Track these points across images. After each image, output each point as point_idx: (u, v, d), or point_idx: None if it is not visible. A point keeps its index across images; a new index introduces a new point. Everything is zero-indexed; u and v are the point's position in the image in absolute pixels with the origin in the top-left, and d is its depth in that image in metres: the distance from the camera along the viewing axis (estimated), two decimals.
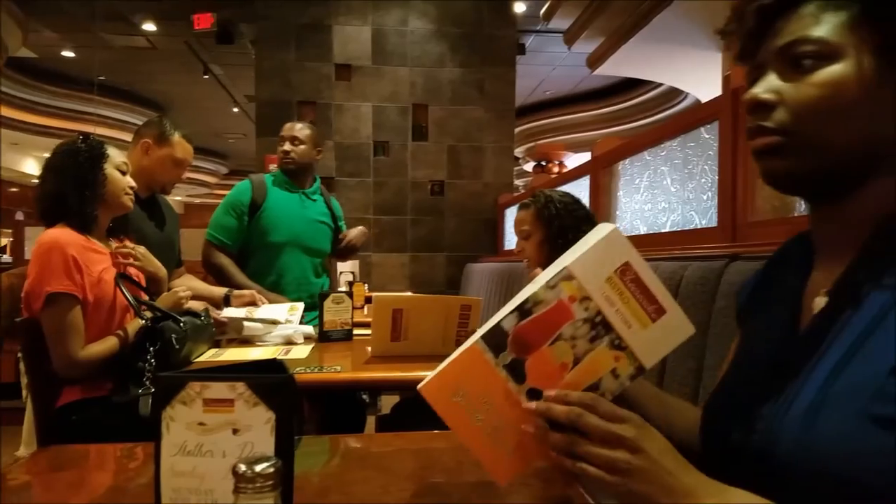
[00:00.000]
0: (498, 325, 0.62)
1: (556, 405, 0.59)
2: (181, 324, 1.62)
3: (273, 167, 4.65)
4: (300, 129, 2.64)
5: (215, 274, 2.51)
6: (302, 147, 2.60)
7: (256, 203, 2.54)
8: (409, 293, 1.55)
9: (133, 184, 1.74)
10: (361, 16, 4.77)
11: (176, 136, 2.17)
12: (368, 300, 4.20)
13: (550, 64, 8.36)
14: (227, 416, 0.53)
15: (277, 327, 1.97)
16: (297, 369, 1.49)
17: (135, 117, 9.63)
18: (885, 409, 0.49)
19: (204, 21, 6.03)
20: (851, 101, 0.57)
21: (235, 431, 0.54)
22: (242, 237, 2.53)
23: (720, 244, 1.72)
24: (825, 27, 0.59)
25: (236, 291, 2.26)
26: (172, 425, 0.54)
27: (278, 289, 2.51)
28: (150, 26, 6.74)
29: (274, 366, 0.62)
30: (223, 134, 11.57)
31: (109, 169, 1.68)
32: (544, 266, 1.88)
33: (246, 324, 1.98)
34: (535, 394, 0.62)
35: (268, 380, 0.54)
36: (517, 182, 13.26)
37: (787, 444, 0.55)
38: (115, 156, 1.72)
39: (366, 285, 4.25)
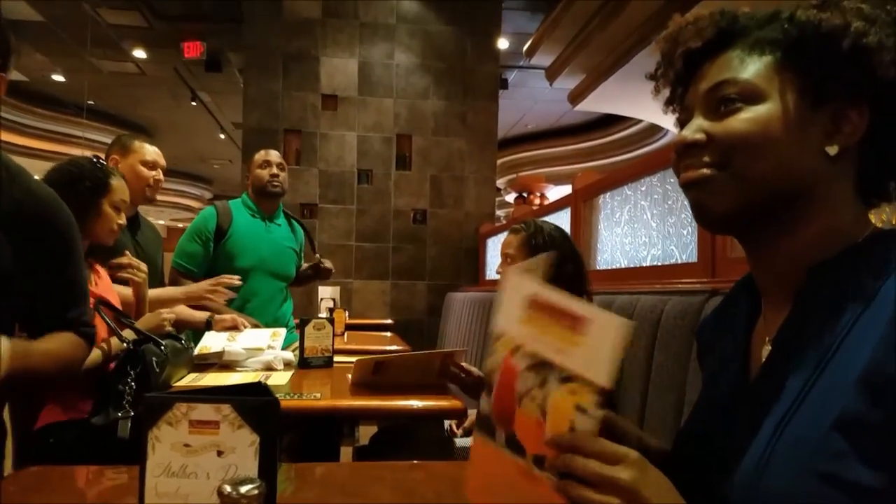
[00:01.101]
0: (479, 411, 0.62)
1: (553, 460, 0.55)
2: (162, 347, 1.63)
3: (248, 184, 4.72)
4: (280, 158, 2.73)
5: None
6: (283, 174, 2.68)
7: (222, 229, 2.57)
8: (393, 348, 1.56)
9: (123, 222, 1.75)
10: (349, 48, 4.87)
11: (137, 143, 2.21)
12: (349, 327, 4.21)
13: (532, 98, 8.54)
14: (212, 438, 0.56)
15: (255, 354, 1.98)
16: (279, 395, 1.50)
17: None
18: (830, 466, 0.49)
19: (193, 49, 6.12)
20: (776, 140, 0.60)
21: (220, 453, 0.56)
22: (208, 263, 2.55)
23: (700, 279, 1.76)
24: (750, 70, 0.62)
25: (217, 316, 2.27)
26: (158, 446, 0.56)
27: (245, 313, 2.52)
28: (140, 53, 6.80)
29: (258, 389, 0.64)
30: (209, 159, 11.58)
31: (106, 205, 1.68)
32: None
33: (226, 348, 1.98)
34: (539, 460, 0.57)
35: (253, 402, 0.56)
36: (499, 212, 13.39)
37: (738, 499, 0.55)
38: (117, 191, 1.71)
39: (346, 312, 4.26)
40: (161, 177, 2.26)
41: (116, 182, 1.72)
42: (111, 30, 6.22)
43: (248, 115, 4.79)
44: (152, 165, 2.22)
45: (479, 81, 5.03)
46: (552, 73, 6.64)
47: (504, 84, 6.82)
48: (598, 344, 0.55)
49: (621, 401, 1.63)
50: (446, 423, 2.14)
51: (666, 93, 0.72)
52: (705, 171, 0.63)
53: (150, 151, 2.24)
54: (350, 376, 1.74)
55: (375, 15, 4.89)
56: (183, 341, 1.78)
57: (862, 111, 0.59)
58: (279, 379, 1.75)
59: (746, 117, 0.61)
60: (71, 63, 7.10)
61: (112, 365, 1.58)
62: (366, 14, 4.88)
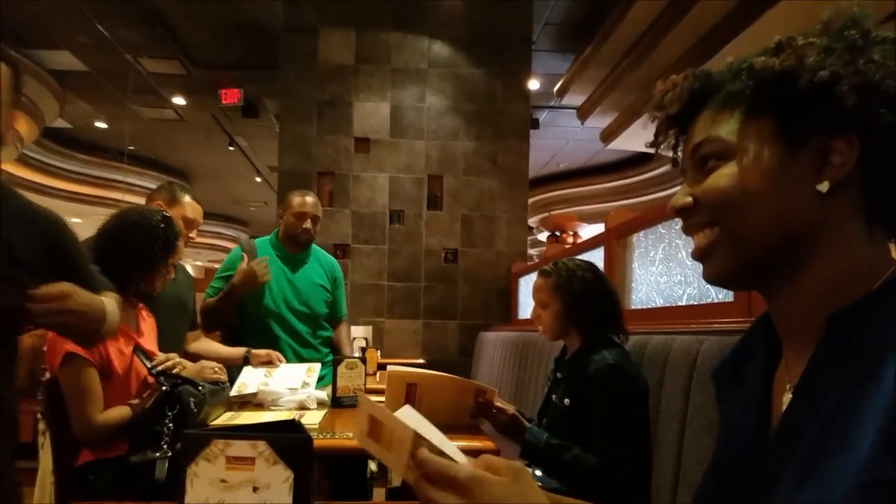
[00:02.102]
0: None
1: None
2: (199, 387, 1.65)
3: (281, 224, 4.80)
4: (317, 204, 2.72)
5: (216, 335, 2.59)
6: (317, 227, 2.71)
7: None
8: (423, 370, 1.56)
9: (173, 275, 1.83)
10: (380, 93, 5.00)
11: (186, 198, 2.26)
12: (381, 367, 4.20)
13: (564, 137, 8.59)
14: (248, 474, 0.56)
15: (289, 394, 1.99)
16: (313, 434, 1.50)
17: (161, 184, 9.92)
18: None
19: (231, 96, 6.34)
20: (757, 192, 0.59)
21: (255, 489, 0.56)
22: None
23: (737, 318, 1.72)
24: (721, 127, 0.62)
25: (254, 351, 2.30)
26: (196, 481, 0.57)
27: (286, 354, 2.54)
28: (179, 100, 7.08)
29: (292, 426, 0.65)
30: (245, 202, 11.88)
31: (169, 263, 1.77)
32: (559, 336, 1.89)
33: (261, 388, 2.00)
34: None
35: (287, 439, 0.57)
36: (531, 251, 13.36)
37: None
38: (179, 252, 1.82)
39: (378, 351, 4.26)
40: (194, 236, 2.32)
41: (181, 244, 1.81)
42: (151, 78, 6.50)
43: (283, 160, 4.92)
44: (190, 223, 2.28)
45: (509, 122, 5.10)
46: (583, 113, 6.69)
47: (535, 124, 6.88)
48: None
49: (656, 441, 1.59)
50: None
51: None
52: (701, 234, 0.63)
53: (194, 210, 2.29)
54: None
55: (407, 60, 5.03)
56: (218, 382, 1.81)
57: (849, 140, 0.57)
58: (312, 418, 1.75)
59: (723, 174, 0.61)
60: (113, 110, 7.43)
61: (148, 405, 1.61)
62: (397, 59, 5.02)
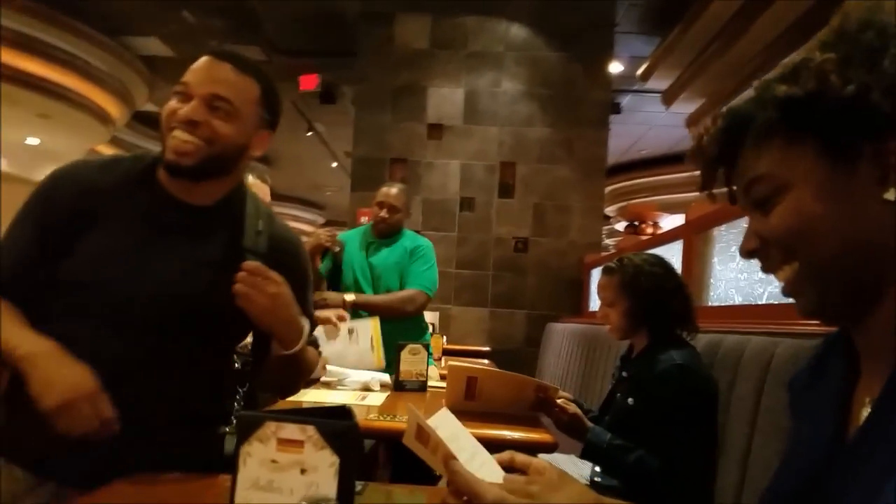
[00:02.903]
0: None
1: None
2: None
3: (364, 220, 4.90)
4: (395, 195, 2.72)
5: None
6: (397, 216, 2.71)
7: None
8: (485, 363, 1.55)
9: None
10: (455, 79, 4.98)
11: (251, 178, 2.29)
12: (447, 352, 4.23)
13: (647, 123, 8.30)
14: (296, 457, 0.57)
15: (354, 373, 2.03)
16: (371, 416, 1.53)
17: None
18: None
19: (309, 82, 6.49)
20: (823, 217, 0.57)
21: (303, 471, 0.57)
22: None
23: (813, 321, 1.62)
24: (765, 162, 0.60)
25: (318, 313, 2.32)
26: (249, 460, 0.59)
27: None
28: None
29: (342, 412, 0.66)
30: (322, 186, 12.21)
31: None
32: (628, 335, 1.83)
33: (328, 367, 2.06)
34: None
35: (334, 425, 0.57)
36: (608, 241, 13.06)
37: None
38: None
39: (444, 337, 4.28)
40: None
41: None
42: None
43: (357, 147, 5.01)
44: None
45: (587, 108, 4.97)
46: (669, 97, 6.44)
47: (617, 108, 6.68)
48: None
49: (724, 444, 1.54)
50: None
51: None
52: (781, 272, 0.61)
53: (263, 190, 2.27)
54: (444, 400, 1.74)
55: (484, 44, 4.98)
56: None
57: None
58: (374, 400, 1.79)
59: (784, 209, 0.59)
60: None
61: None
62: (474, 43, 4.98)
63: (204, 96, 1.09)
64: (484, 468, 0.75)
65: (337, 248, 2.61)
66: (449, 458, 0.64)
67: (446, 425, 0.76)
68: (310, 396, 1.79)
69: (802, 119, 0.57)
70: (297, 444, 0.58)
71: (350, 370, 2.07)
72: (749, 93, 0.65)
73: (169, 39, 6.33)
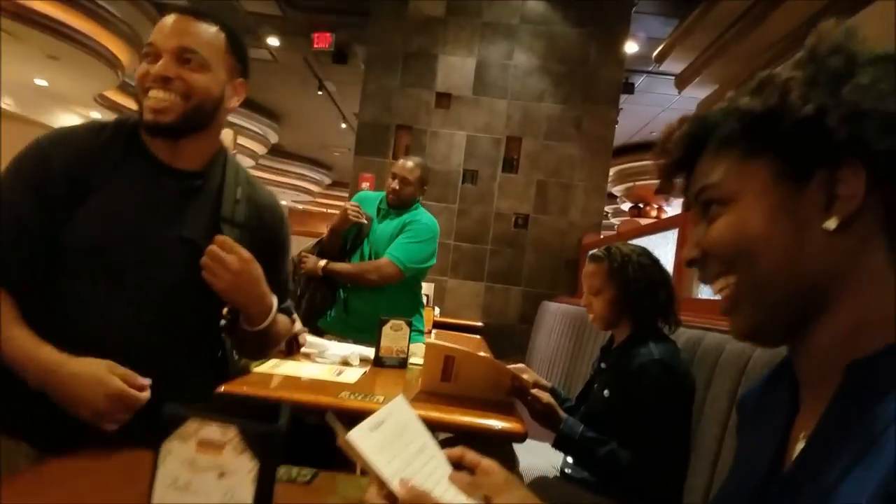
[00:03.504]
0: None
1: None
2: None
3: (365, 185, 4.86)
4: (410, 168, 2.66)
5: None
6: (408, 188, 2.66)
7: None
8: (476, 339, 1.52)
9: None
10: (468, 47, 4.87)
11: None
12: (440, 325, 4.23)
13: (660, 105, 8.15)
14: (215, 460, 0.55)
15: (334, 346, 2.02)
16: (342, 394, 1.52)
17: (252, 123, 10.29)
18: None
19: (322, 40, 6.38)
20: (763, 236, 0.56)
21: (221, 475, 0.55)
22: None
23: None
24: (718, 171, 0.60)
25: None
26: (169, 459, 0.57)
27: (350, 305, 2.60)
28: (273, 41, 7.20)
29: (273, 411, 0.64)
30: (330, 147, 12.12)
31: None
32: (610, 325, 1.82)
33: (309, 338, 2.05)
34: None
35: (257, 428, 0.56)
36: (614, 220, 12.96)
37: None
38: None
39: (437, 309, 4.28)
40: None
41: None
42: (248, 17, 6.63)
43: (364, 110, 4.93)
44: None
45: (599, 86, 4.87)
46: (682, 81, 6.30)
47: (630, 88, 6.55)
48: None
49: (696, 442, 1.53)
50: None
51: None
52: (717, 284, 0.61)
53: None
54: (420, 380, 1.73)
55: (499, 14, 4.86)
56: None
57: (854, 170, 0.53)
58: (350, 376, 1.78)
59: (726, 221, 0.59)
60: None
61: None
62: (489, 13, 4.86)
63: (172, 51, 1.08)
64: (431, 462, 0.74)
65: (365, 221, 2.61)
66: (378, 482, 0.63)
67: (398, 416, 0.74)
68: (284, 369, 1.78)
69: (760, 134, 0.57)
70: (218, 446, 0.56)
71: (329, 342, 2.06)
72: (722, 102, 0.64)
73: None
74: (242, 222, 1.21)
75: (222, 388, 1.46)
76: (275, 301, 1.21)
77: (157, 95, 1.07)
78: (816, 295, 0.55)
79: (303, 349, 2.03)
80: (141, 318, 1.08)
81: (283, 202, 16.82)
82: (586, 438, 1.58)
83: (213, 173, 1.20)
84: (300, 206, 17.29)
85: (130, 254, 1.07)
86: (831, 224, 0.53)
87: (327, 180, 14.56)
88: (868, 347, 0.53)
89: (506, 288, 4.91)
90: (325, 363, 1.97)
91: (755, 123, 0.57)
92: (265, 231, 1.27)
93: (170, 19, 1.11)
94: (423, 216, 2.77)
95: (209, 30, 1.13)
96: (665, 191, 0.68)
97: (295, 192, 15.15)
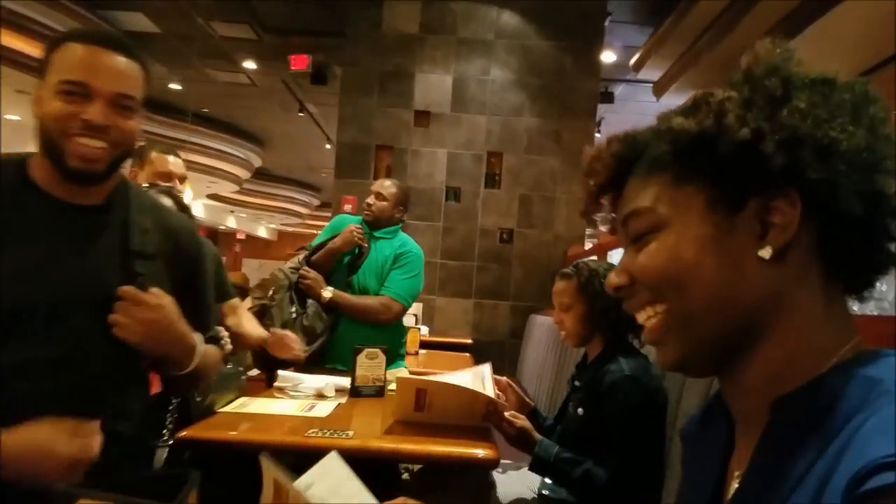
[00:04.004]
0: None
1: None
2: None
3: (348, 207, 4.82)
4: (387, 186, 2.65)
5: None
6: (383, 204, 2.61)
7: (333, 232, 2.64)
8: (433, 379, 1.45)
9: None
10: (444, 64, 4.87)
11: (153, 154, 2.16)
12: (429, 345, 4.17)
13: (641, 113, 8.16)
14: None
15: (309, 378, 1.97)
16: (310, 431, 1.47)
17: (235, 149, 10.26)
18: None
19: (299, 62, 6.37)
20: (695, 267, 0.53)
21: None
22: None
23: None
24: (648, 196, 0.56)
25: (273, 330, 2.25)
26: None
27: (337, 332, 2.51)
28: (250, 64, 7.19)
29: (181, 479, 0.59)
30: (316, 168, 12.09)
31: None
32: (582, 341, 1.78)
33: (280, 373, 1.99)
34: None
35: None
36: (602, 228, 12.94)
37: None
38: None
39: (422, 328, 4.22)
40: (181, 187, 2.19)
41: None
42: (223, 42, 6.61)
43: (342, 132, 4.90)
44: (167, 176, 2.16)
45: (577, 98, 4.86)
46: (659, 89, 6.31)
47: (610, 98, 6.55)
48: None
49: (670, 458, 1.51)
50: None
51: None
52: (644, 313, 0.57)
53: (162, 162, 2.18)
54: (393, 411, 1.68)
55: (475, 30, 4.86)
56: (229, 365, 1.78)
57: (790, 198, 0.50)
58: (322, 410, 1.72)
59: (656, 249, 0.56)
60: (187, 73, 7.63)
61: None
62: (465, 29, 4.86)
63: (109, 96, 1.02)
64: None
65: (366, 245, 2.57)
66: None
67: (329, 476, 0.69)
68: (255, 407, 1.73)
69: (693, 157, 0.54)
70: None
71: (304, 375, 2.01)
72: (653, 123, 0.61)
73: (154, 15, 6.18)
74: (155, 252, 1.13)
75: (183, 434, 1.41)
76: (198, 339, 1.15)
77: (90, 144, 1.00)
78: (748, 328, 0.53)
79: (275, 384, 1.98)
80: (67, 371, 1.01)
81: (272, 225, 16.78)
82: (561, 460, 1.56)
83: (117, 204, 1.12)
84: (290, 229, 17.24)
85: (40, 309, 0.99)
86: (765, 254, 0.51)
87: (316, 202, 14.52)
88: (795, 382, 0.51)
89: (494, 303, 4.87)
90: (300, 395, 1.92)
91: (689, 146, 0.54)
92: (182, 258, 1.19)
93: (103, 56, 1.03)
94: (412, 245, 2.73)
95: (137, 67, 1.07)
96: (591, 212, 0.64)
97: (283, 216, 15.11)
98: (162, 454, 1.44)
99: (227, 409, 1.68)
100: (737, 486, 0.54)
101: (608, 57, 5.16)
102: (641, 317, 0.58)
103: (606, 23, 5.07)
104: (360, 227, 2.56)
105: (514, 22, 4.87)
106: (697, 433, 0.67)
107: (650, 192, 0.56)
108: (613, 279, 0.59)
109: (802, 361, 0.51)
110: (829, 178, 0.49)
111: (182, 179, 2.29)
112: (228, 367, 1.75)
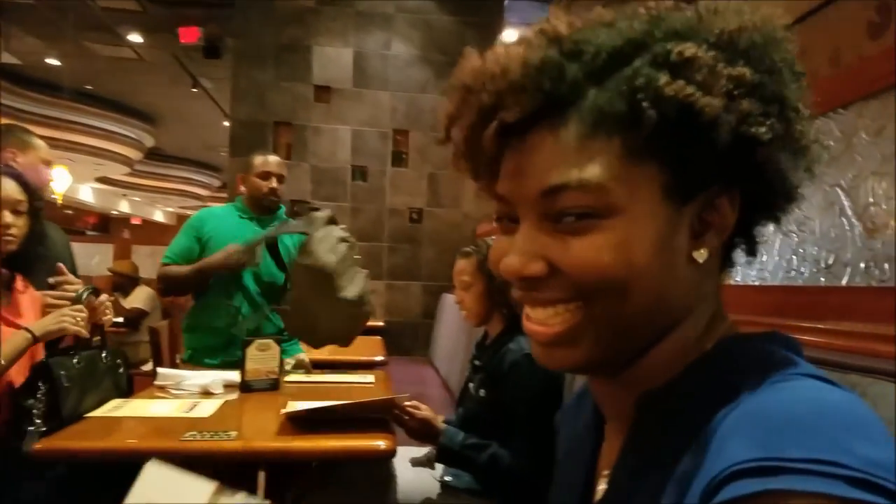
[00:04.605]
0: None
1: None
2: (75, 360, 1.48)
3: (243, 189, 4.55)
4: (281, 164, 2.50)
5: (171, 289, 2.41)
6: (283, 184, 2.48)
7: (206, 229, 2.40)
8: (318, 404, 1.35)
9: (8, 221, 1.51)
10: (343, 37, 4.67)
11: (36, 140, 2.13)
12: None
13: None
14: None
15: (192, 375, 1.81)
16: (187, 435, 1.32)
17: (123, 128, 9.52)
18: None
19: (190, 35, 5.95)
20: (640, 265, 0.43)
21: None
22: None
23: None
24: (595, 166, 0.42)
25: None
26: None
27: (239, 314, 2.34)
28: (136, 37, 6.66)
29: None
30: (215, 147, 11.45)
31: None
32: (483, 320, 1.73)
33: (160, 370, 1.82)
34: None
35: None
36: None
37: None
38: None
39: None
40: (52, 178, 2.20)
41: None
42: (104, 13, 6.06)
43: (237, 108, 4.61)
44: (50, 164, 2.16)
45: None
46: None
47: None
48: None
49: None
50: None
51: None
52: (553, 311, 0.46)
53: (48, 151, 2.17)
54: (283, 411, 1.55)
55: (373, 3, 4.68)
56: (105, 357, 1.61)
57: (733, 197, 0.45)
58: (205, 409, 1.57)
59: (602, 242, 0.43)
60: (65, 47, 6.95)
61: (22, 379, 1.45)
62: (362, 2, 4.67)
63: None
64: None
65: (255, 261, 2.33)
66: None
67: (155, 488, 0.57)
68: (130, 410, 1.55)
69: (672, 135, 0.41)
70: None
71: (187, 371, 1.84)
72: (587, 36, 0.43)
73: None
74: None
75: (38, 446, 1.24)
76: None
77: None
78: (664, 330, 0.47)
79: (156, 382, 1.80)
80: None
81: (170, 209, 15.86)
82: (466, 446, 1.52)
83: None
84: (189, 212, 16.34)
85: None
86: (700, 257, 0.45)
87: (216, 182, 13.80)
88: (663, 377, 0.46)
89: (406, 284, 4.79)
90: (184, 393, 1.76)
91: (673, 119, 0.40)
92: None
93: None
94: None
95: None
96: (462, 167, 0.50)
97: (181, 198, 14.28)
98: (33, 438, 1.29)
99: (98, 413, 1.49)
100: (604, 487, 0.50)
101: (510, 35, 5.13)
102: (542, 314, 0.46)
103: (507, 1, 5.04)
104: (240, 247, 2.27)
105: None
106: (570, 422, 0.63)
107: (597, 161, 0.42)
108: (521, 265, 0.45)
109: (680, 354, 0.47)
110: (782, 179, 0.45)
111: (48, 163, 2.21)
112: (104, 359, 1.57)
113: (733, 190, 0.45)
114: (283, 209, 2.58)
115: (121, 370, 1.70)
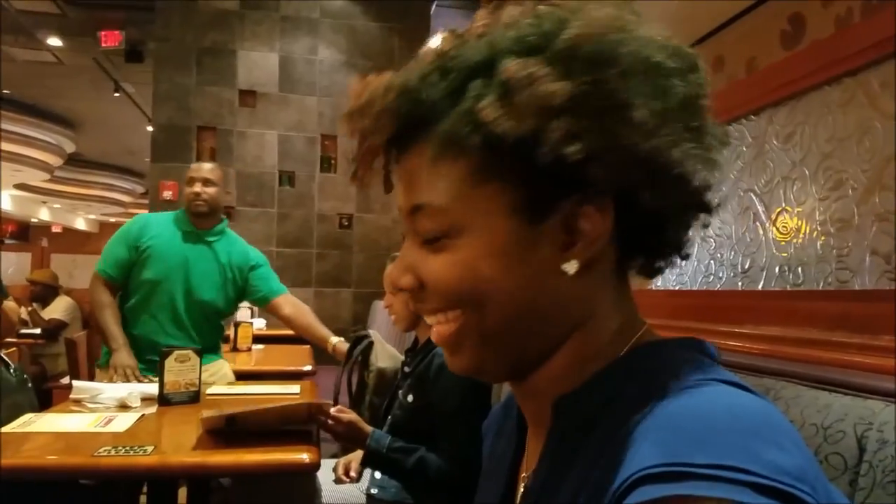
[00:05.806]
0: None
1: None
2: (12, 370, 1.44)
3: (167, 194, 4.44)
4: (210, 169, 2.43)
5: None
6: (213, 190, 2.37)
7: (143, 237, 2.33)
8: (239, 409, 1.35)
9: None
10: (268, 42, 4.63)
11: None
12: (266, 339, 3.98)
13: None
14: None
15: (109, 388, 1.78)
16: (101, 450, 1.31)
17: (42, 133, 9.06)
18: None
19: (111, 39, 5.74)
20: (495, 279, 0.45)
21: None
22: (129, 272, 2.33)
23: None
24: (444, 187, 0.45)
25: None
26: None
27: (152, 335, 2.28)
28: (55, 41, 6.36)
29: None
30: (138, 152, 11.03)
31: None
32: (411, 325, 1.77)
33: (75, 383, 1.78)
34: None
35: None
36: None
37: None
38: None
39: (257, 321, 4.02)
40: None
41: None
42: (21, 16, 5.77)
43: (158, 112, 4.50)
44: None
45: None
46: None
47: None
48: None
49: None
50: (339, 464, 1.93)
51: None
52: (435, 317, 0.49)
53: None
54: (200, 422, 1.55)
55: (298, 8, 4.67)
56: (14, 371, 1.57)
57: (603, 206, 0.44)
58: (121, 424, 1.56)
59: (451, 259, 0.46)
60: None
61: None
62: (287, 7, 4.66)
63: None
64: None
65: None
66: None
67: None
68: (40, 425, 1.52)
69: (507, 157, 0.42)
70: None
71: (104, 384, 1.81)
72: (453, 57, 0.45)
73: None
74: None
75: None
76: None
77: None
78: (551, 337, 0.48)
79: (72, 395, 1.76)
80: None
81: (91, 216, 15.14)
82: (393, 449, 1.51)
83: None
84: (111, 220, 15.65)
85: None
86: (571, 267, 0.45)
87: (140, 188, 13.28)
88: (579, 381, 0.47)
89: (336, 291, 4.78)
90: (100, 406, 1.73)
91: (505, 150, 0.42)
92: None
93: None
94: (247, 244, 2.61)
95: None
96: (358, 179, 0.53)
97: (103, 205, 13.67)
98: None
99: (8, 428, 1.46)
100: (522, 491, 0.51)
101: (437, 42, 5.22)
102: (432, 320, 0.50)
103: (433, 7, 5.12)
104: (132, 363, 2.17)
105: (340, 2, 4.75)
106: (495, 429, 0.64)
107: (443, 182, 0.45)
108: (397, 277, 0.49)
109: (589, 359, 0.47)
110: (655, 192, 0.44)
111: None
112: (12, 373, 1.53)
113: (603, 198, 0.44)
114: (226, 222, 2.51)
115: (30, 389, 1.65)
